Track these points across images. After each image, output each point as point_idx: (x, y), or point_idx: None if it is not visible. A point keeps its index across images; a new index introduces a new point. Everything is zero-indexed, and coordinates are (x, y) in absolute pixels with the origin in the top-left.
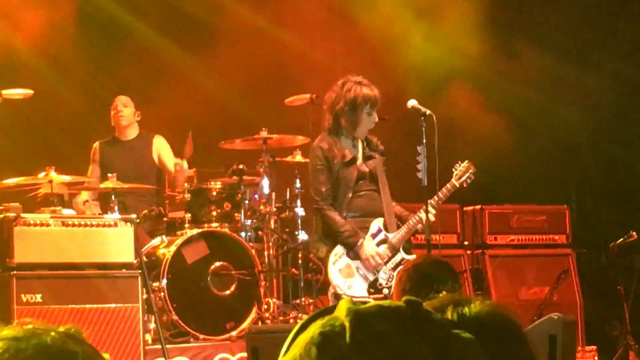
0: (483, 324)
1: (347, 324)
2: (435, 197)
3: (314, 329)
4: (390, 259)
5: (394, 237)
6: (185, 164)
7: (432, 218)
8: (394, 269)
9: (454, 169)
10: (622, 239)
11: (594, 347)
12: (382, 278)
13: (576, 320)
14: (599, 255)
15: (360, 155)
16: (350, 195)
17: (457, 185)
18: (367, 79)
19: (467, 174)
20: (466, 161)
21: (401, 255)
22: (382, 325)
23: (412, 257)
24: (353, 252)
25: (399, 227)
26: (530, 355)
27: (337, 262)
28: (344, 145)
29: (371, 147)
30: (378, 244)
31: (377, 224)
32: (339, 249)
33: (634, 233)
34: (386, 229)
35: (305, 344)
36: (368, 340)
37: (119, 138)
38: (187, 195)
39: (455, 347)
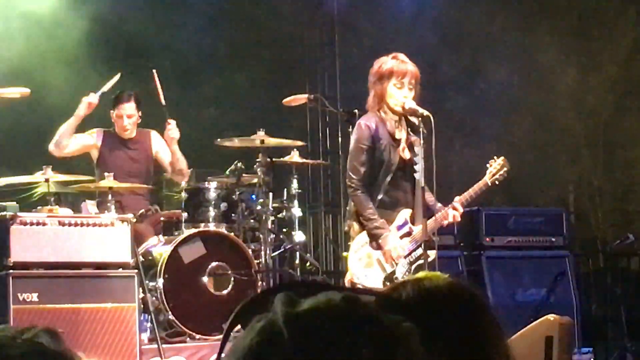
0: (445, 295)
1: (284, 330)
2: (466, 195)
3: (252, 335)
4: (411, 252)
5: (418, 231)
6: (173, 123)
7: (458, 218)
8: (412, 262)
9: (488, 165)
10: (618, 241)
11: (590, 349)
12: (400, 271)
13: (572, 322)
14: (596, 257)
15: (403, 141)
16: (389, 179)
17: (489, 184)
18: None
19: (501, 172)
20: (501, 158)
21: (421, 249)
22: (320, 327)
23: (433, 252)
24: (376, 241)
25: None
26: (492, 319)
27: (359, 250)
28: (393, 125)
29: (414, 131)
30: (402, 236)
31: (403, 215)
32: (362, 238)
33: (631, 235)
34: (412, 222)
35: (244, 354)
36: (308, 344)
37: (119, 135)
38: (184, 195)
39: (397, 338)
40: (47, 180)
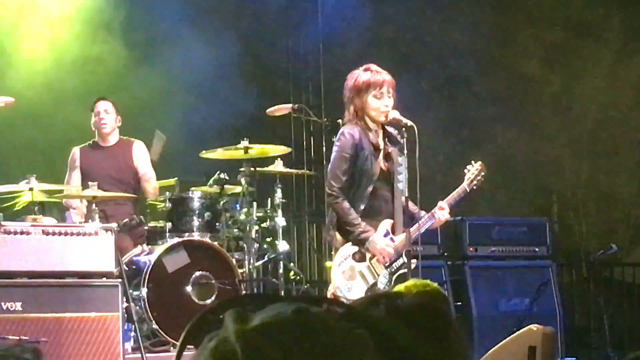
0: (413, 313)
1: (237, 348)
2: (448, 198)
3: (204, 355)
4: (392, 262)
5: (400, 241)
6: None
7: (447, 216)
8: (393, 273)
9: (466, 171)
10: (602, 251)
11: (574, 359)
12: (382, 282)
13: (556, 332)
14: (579, 267)
15: (382, 151)
16: (370, 189)
17: (468, 190)
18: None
19: (479, 177)
20: (479, 163)
21: (403, 259)
22: (272, 342)
23: (414, 261)
24: (359, 253)
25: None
26: (458, 337)
27: (342, 263)
28: (373, 135)
29: (392, 142)
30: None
31: (385, 225)
32: (344, 250)
33: (614, 245)
34: (393, 232)
35: None
36: None
37: (99, 143)
38: (168, 204)
39: (348, 347)
40: (31, 190)
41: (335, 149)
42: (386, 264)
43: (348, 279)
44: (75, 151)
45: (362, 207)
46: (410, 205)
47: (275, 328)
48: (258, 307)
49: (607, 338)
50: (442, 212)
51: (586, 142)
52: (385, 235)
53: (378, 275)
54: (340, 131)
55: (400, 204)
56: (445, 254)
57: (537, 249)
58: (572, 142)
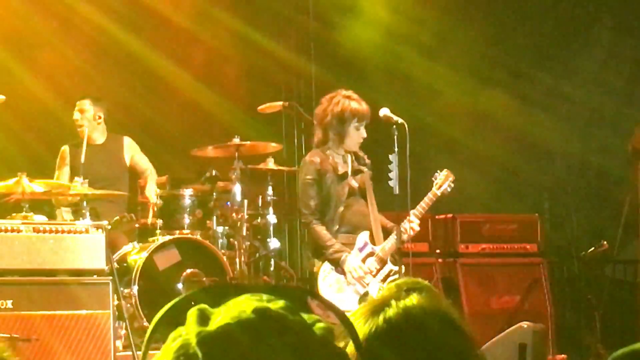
0: (425, 314)
1: (198, 351)
2: (418, 207)
3: (169, 354)
4: (379, 271)
5: (381, 249)
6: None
7: (416, 228)
8: (383, 280)
9: (433, 178)
10: (593, 248)
11: (564, 356)
12: (373, 290)
13: (546, 329)
14: (570, 264)
15: (350, 171)
16: (341, 209)
17: (439, 194)
18: (356, 94)
19: (447, 182)
20: (445, 170)
21: (389, 266)
22: (232, 344)
23: (396, 267)
24: (340, 267)
25: (385, 239)
26: (464, 340)
27: (327, 277)
28: (335, 160)
29: (359, 162)
30: (365, 257)
31: (363, 237)
32: (327, 265)
33: (605, 242)
34: (373, 242)
35: None
36: None
37: (88, 142)
38: (159, 202)
39: (310, 342)
40: (22, 187)
41: (299, 177)
42: (362, 280)
43: (337, 291)
44: (65, 149)
45: (336, 227)
46: (383, 220)
47: (235, 328)
48: (222, 299)
49: (598, 335)
50: (411, 225)
51: (577, 139)
52: (364, 246)
53: (367, 284)
54: (302, 159)
55: (376, 216)
56: (437, 251)
57: (528, 246)
58: (563, 139)
